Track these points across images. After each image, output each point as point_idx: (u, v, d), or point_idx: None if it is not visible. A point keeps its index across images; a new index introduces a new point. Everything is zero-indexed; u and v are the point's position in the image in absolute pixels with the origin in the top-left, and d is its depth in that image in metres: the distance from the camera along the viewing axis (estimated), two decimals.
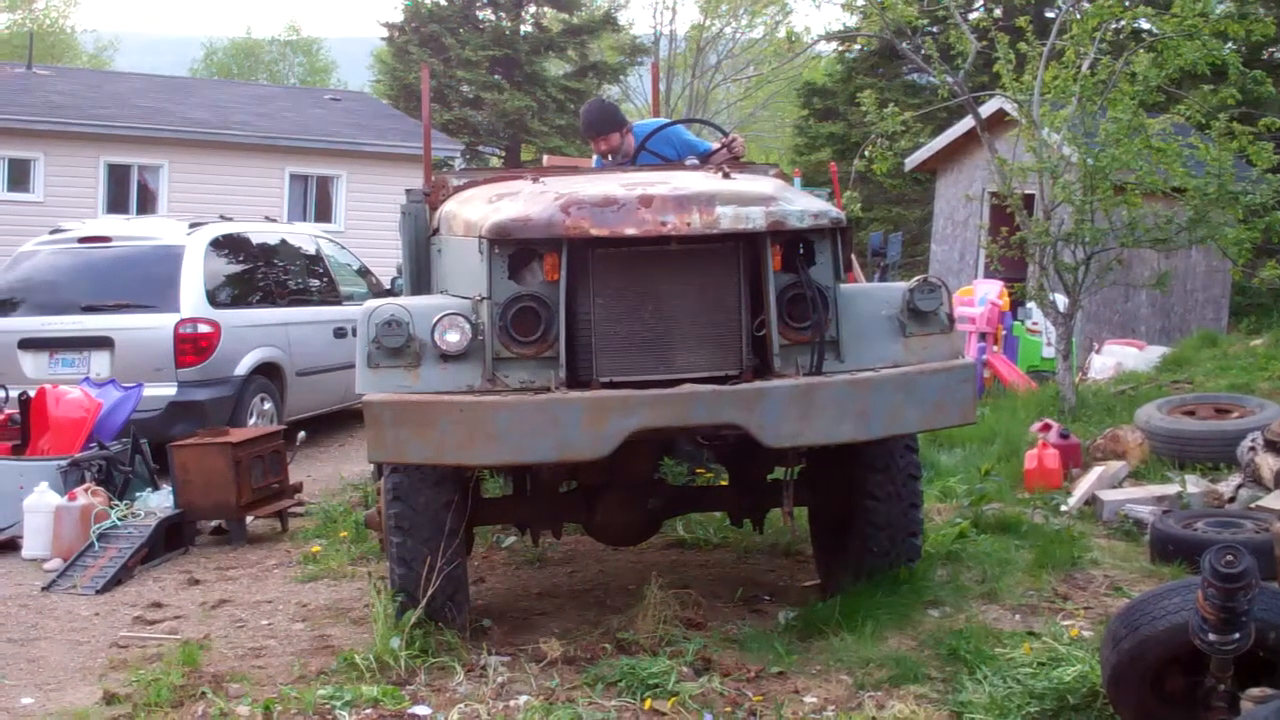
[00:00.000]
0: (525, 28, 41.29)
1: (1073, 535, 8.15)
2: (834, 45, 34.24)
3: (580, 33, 41.74)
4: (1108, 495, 9.02)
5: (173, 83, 33.03)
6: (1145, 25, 13.84)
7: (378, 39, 44.56)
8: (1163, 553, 7.58)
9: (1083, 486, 9.31)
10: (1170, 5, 12.49)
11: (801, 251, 6.30)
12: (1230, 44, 13.25)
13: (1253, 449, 8.93)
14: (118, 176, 25.57)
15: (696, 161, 8.22)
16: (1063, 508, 9.06)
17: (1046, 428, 10.22)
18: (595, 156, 9.04)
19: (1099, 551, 7.99)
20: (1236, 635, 4.44)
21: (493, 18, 41.13)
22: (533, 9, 41.94)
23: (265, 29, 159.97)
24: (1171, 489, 9.00)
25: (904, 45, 14.19)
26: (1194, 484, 9.05)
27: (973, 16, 20.82)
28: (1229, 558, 4.37)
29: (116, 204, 25.21)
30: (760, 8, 51.24)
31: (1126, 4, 13.42)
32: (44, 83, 28.35)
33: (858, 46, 33.81)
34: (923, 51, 14.19)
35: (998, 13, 18.11)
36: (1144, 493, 9.04)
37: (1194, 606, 4.52)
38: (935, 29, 17.92)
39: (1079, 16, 13.20)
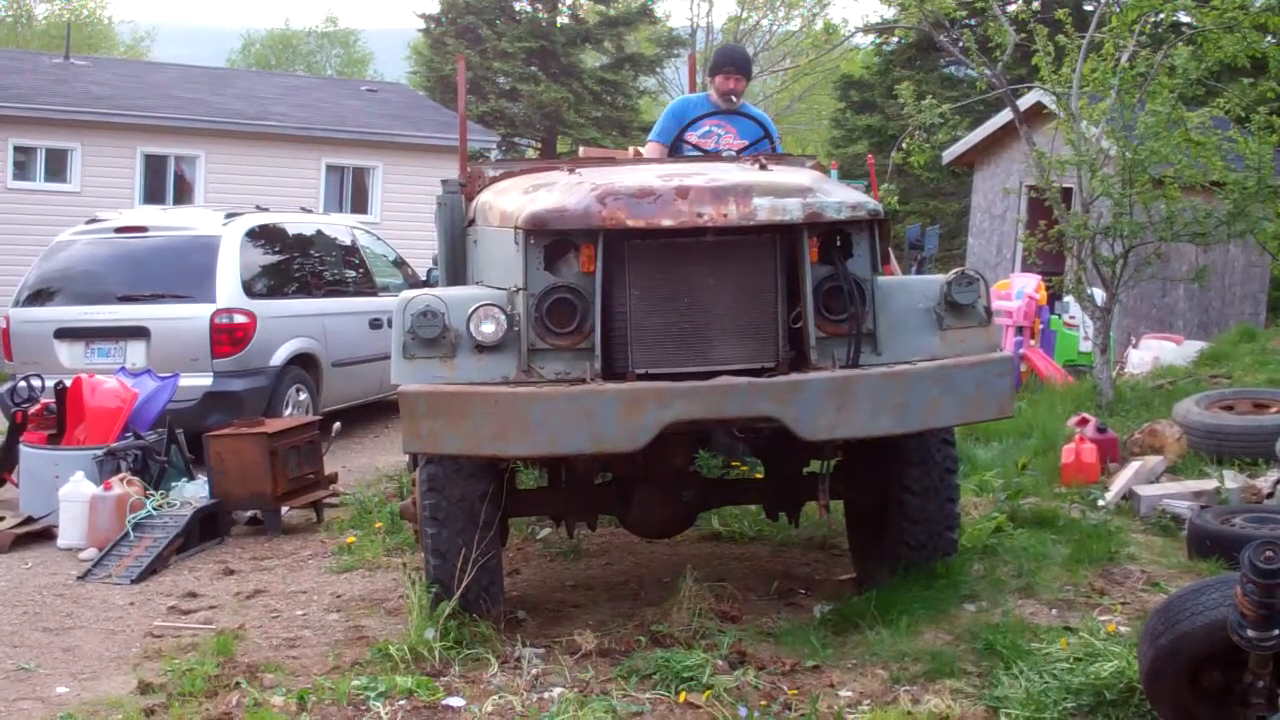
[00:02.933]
0: (562, 19, 41.28)
1: (1110, 530, 8.11)
2: (871, 37, 34.13)
3: (617, 25, 41.70)
4: (1145, 490, 8.97)
5: (210, 74, 33.13)
6: (1185, 18, 13.74)
7: (415, 31, 44.62)
8: (1200, 548, 7.53)
9: (1120, 481, 9.26)
10: None
11: (839, 243, 6.27)
12: (1270, 37, 13.13)
13: None
14: (154, 167, 25.67)
15: (734, 153, 8.23)
16: (1100, 502, 9.01)
17: (1084, 422, 10.16)
18: (710, 91, 8.97)
19: (1136, 547, 7.94)
20: (1276, 632, 4.41)
21: (529, 9, 41.12)
22: (569, 1, 41.94)
23: (303, 20, 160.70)
24: (1209, 484, 8.94)
25: (942, 37, 14.14)
26: (1232, 479, 8.99)
27: (1011, 8, 20.69)
28: (1268, 553, 4.34)
29: (153, 194, 25.30)
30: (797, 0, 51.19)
31: None
32: (81, 73, 28.46)
33: (895, 39, 33.72)
34: (961, 44, 14.12)
35: (1036, 5, 18.01)
36: (1181, 488, 8.98)
37: (1232, 602, 4.49)
38: (973, 21, 17.88)
39: (1118, 9, 13.10)
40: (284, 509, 9.80)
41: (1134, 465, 9.50)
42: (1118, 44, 12.66)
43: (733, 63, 8.87)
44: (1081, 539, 7.86)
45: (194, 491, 9.67)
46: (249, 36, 78.09)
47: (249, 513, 9.87)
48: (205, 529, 9.33)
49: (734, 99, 8.75)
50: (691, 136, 8.52)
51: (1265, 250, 13.45)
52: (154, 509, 9.22)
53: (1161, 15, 12.85)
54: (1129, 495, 9.03)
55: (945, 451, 6.85)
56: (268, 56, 74.22)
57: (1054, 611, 6.75)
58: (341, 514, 10.12)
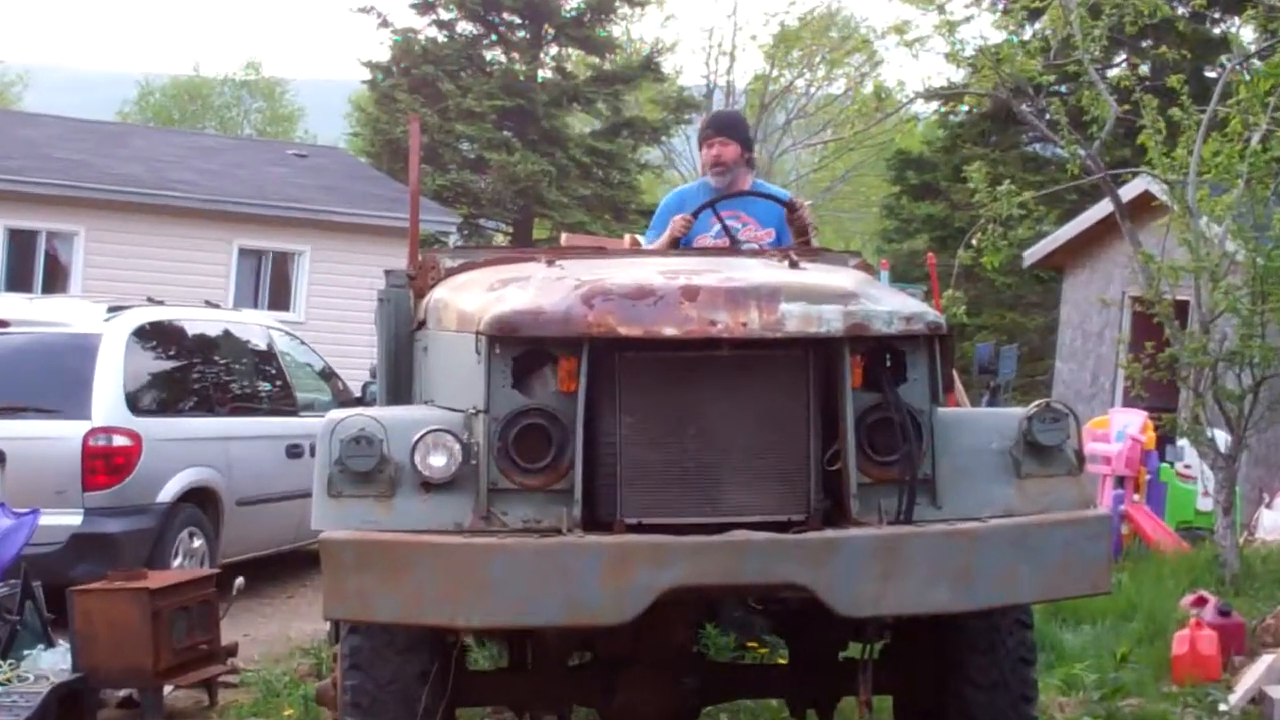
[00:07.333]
0: (544, 73, 41.68)
1: None
2: (934, 105, 34.46)
3: (613, 81, 42.05)
4: None
5: (97, 129, 33.44)
6: None
7: (357, 82, 45.10)
8: None
9: (1248, 679, 9.21)
10: None
11: (889, 364, 6.27)
12: None
13: None
14: (20, 245, 25.80)
15: (756, 246, 8.25)
16: (1222, 706, 8.95)
17: (1201, 602, 10.14)
18: (707, 176, 8.97)
19: None
20: None
21: (503, 59, 41.53)
22: (554, 50, 42.32)
23: (217, 67, 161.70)
24: None
25: (1024, 107, 14.27)
26: None
27: (1112, 74, 20.92)
28: None
29: (18, 279, 25.41)
30: (841, 56, 51.72)
31: None
32: None
33: (965, 107, 34.02)
34: (1048, 116, 14.23)
35: (1144, 69, 18.22)
36: None
37: None
38: (1064, 88, 18.02)
39: (1247, 77, 13.22)
40: (167, 688, 9.71)
41: (1265, 659, 9.46)
42: (1247, 121, 12.74)
43: (714, 125, 8.94)
44: None
45: (52, 662, 9.58)
46: (147, 84, 78.81)
47: (122, 692, 9.79)
48: (65, 711, 9.24)
49: (724, 172, 8.72)
50: (705, 239, 8.53)
51: None
52: (1, 684, 9.14)
53: None
54: (1259, 698, 8.98)
55: (1020, 635, 6.81)
56: (170, 109, 74.91)
57: None
58: (241, 696, 10.05)
